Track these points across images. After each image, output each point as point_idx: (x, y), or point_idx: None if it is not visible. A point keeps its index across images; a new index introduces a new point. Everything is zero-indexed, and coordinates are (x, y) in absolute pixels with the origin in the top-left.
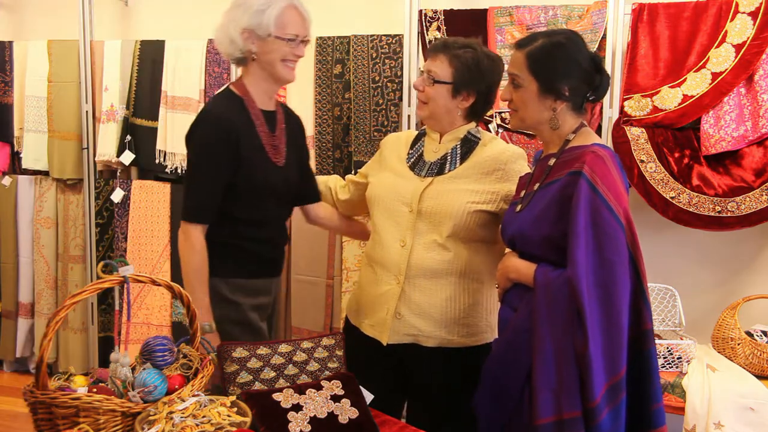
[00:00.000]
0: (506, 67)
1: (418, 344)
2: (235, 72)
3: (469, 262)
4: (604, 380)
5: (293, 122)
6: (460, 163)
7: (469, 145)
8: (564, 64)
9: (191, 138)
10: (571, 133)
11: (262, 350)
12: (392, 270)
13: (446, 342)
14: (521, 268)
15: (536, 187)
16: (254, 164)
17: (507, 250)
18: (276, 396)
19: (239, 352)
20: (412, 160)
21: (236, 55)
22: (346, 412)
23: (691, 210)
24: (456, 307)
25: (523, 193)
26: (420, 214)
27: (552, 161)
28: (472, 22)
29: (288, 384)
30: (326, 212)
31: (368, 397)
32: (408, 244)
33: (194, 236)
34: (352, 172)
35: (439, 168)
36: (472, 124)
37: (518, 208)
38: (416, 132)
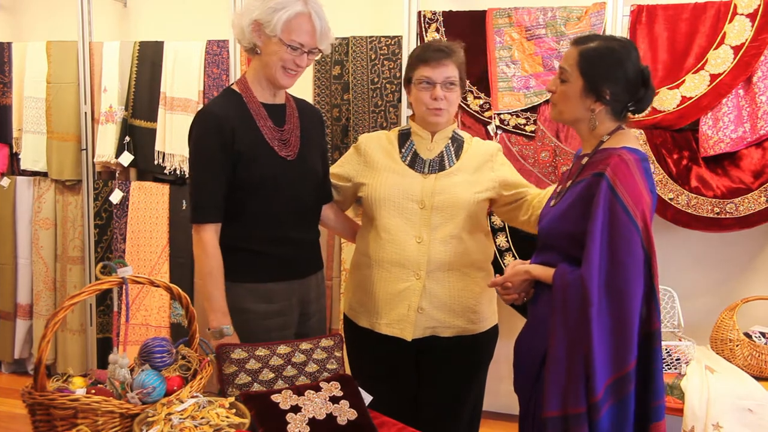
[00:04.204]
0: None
1: (436, 336)
2: (234, 73)
3: (476, 251)
4: (607, 376)
5: (310, 116)
6: (456, 159)
7: (458, 142)
8: (612, 69)
9: (189, 140)
10: (606, 134)
11: (261, 351)
12: (410, 267)
13: (462, 330)
14: (539, 271)
15: (568, 184)
16: (255, 158)
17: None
18: (275, 397)
19: (238, 354)
20: (409, 158)
21: (245, 44)
22: (345, 413)
23: (689, 211)
24: (469, 295)
25: (560, 188)
26: (433, 210)
27: (585, 160)
28: (471, 24)
29: (287, 385)
30: (331, 212)
31: (367, 398)
32: (425, 240)
33: (205, 238)
34: None
35: (440, 164)
36: (455, 124)
37: (552, 203)
38: (394, 132)
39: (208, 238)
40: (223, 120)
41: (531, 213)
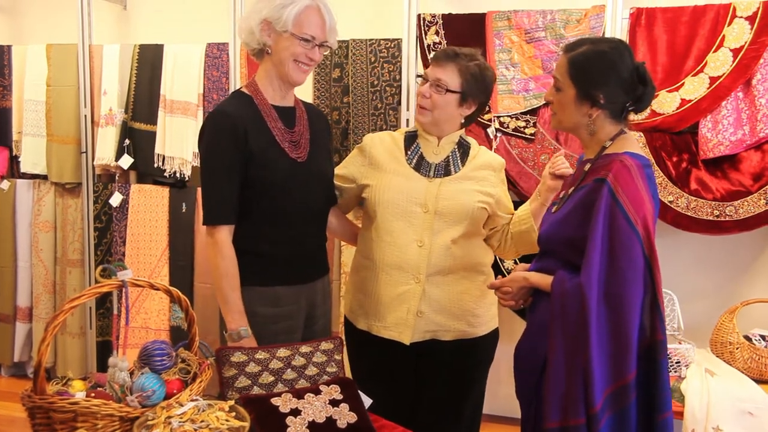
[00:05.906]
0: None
1: (436, 339)
2: (234, 76)
3: (475, 255)
4: (605, 386)
5: (318, 119)
6: (462, 165)
7: (464, 148)
8: (602, 73)
9: (200, 142)
10: (608, 140)
11: (261, 355)
12: (410, 270)
13: (462, 334)
14: (537, 279)
15: (571, 190)
16: (266, 159)
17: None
18: (274, 400)
19: (238, 357)
20: (414, 161)
21: (253, 47)
22: (345, 416)
23: (689, 214)
24: (468, 299)
25: (562, 194)
26: (437, 214)
27: (587, 166)
28: (471, 27)
29: (286, 388)
30: (333, 216)
31: (367, 401)
32: (426, 244)
33: (220, 239)
34: None
35: (445, 169)
36: (463, 129)
37: (554, 209)
38: (400, 133)
39: (222, 240)
40: (236, 120)
41: (501, 241)
